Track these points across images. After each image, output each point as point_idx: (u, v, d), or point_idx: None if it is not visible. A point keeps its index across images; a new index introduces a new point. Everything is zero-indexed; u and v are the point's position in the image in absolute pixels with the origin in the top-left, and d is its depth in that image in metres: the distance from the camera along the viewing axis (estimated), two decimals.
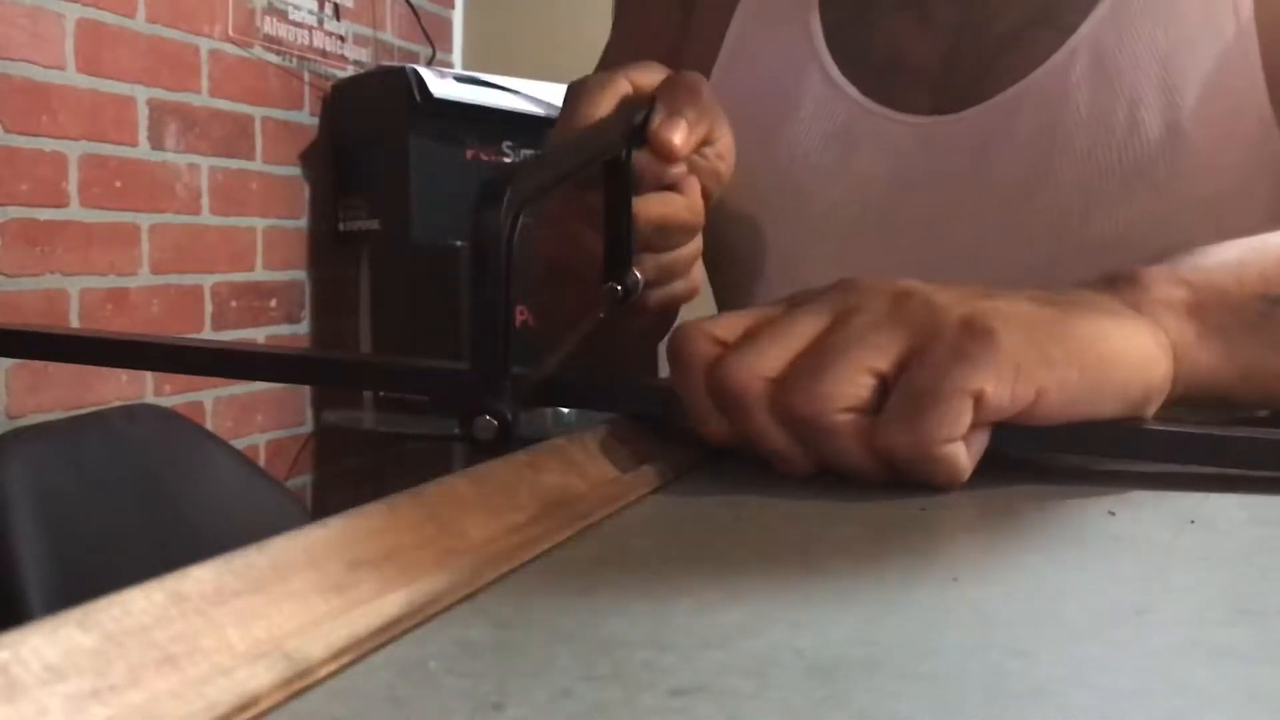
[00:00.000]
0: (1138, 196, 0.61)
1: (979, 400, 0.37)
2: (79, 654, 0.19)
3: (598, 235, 0.52)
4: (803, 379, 0.38)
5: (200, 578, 0.22)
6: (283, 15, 2.17)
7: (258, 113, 2.12)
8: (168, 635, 0.20)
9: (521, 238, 0.38)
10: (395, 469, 2.38)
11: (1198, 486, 0.39)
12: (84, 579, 1.15)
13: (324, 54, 2.28)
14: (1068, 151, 0.62)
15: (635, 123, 0.53)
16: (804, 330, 0.39)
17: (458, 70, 2.52)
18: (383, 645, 0.24)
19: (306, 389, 2.25)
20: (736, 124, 0.59)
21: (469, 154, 2.19)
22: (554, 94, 2.19)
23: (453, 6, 2.72)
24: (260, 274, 2.15)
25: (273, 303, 2.18)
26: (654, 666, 0.22)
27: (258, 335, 2.15)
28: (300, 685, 0.21)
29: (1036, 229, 0.63)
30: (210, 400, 2.01)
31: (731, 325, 0.40)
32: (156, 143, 1.90)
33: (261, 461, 2.09)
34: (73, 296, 1.76)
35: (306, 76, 2.25)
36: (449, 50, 2.71)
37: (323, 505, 2.27)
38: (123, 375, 1.83)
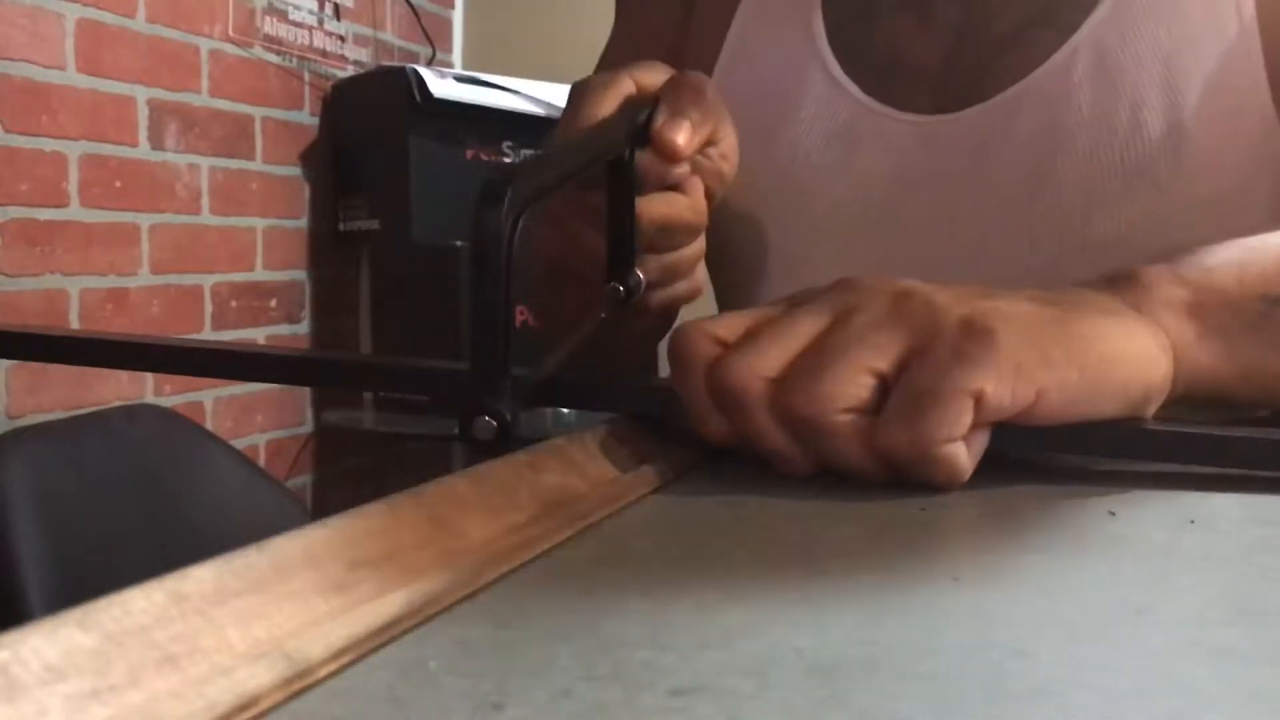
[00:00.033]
0: (1140, 196, 0.61)
1: (979, 400, 0.37)
2: (79, 654, 0.19)
3: (599, 234, 0.52)
4: (803, 379, 0.38)
5: (200, 578, 0.22)
6: (283, 15, 2.17)
7: (258, 113, 2.12)
8: (168, 635, 0.20)
9: (522, 237, 0.38)
10: (395, 469, 2.38)
11: (1198, 486, 0.39)
12: (84, 579, 1.15)
13: (324, 54, 2.28)
14: (1069, 151, 0.62)
15: (639, 122, 0.52)
16: (804, 330, 0.39)
17: (458, 70, 2.52)
18: (383, 645, 0.24)
19: (306, 389, 2.25)
20: (738, 123, 0.59)
21: (469, 154, 2.19)
22: (554, 94, 2.19)
23: (453, 6, 2.72)
24: (260, 274, 2.15)
25: (273, 303, 2.18)
26: (654, 666, 0.22)
27: (258, 335, 2.15)
28: (300, 685, 0.21)
29: (1038, 229, 0.63)
30: (210, 400, 2.01)
31: (732, 325, 0.40)
32: (156, 143, 1.90)
33: (261, 461, 2.09)
34: (73, 296, 1.76)
35: (306, 76, 2.25)
36: (449, 50, 2.71)
37: (323, 505, 2.27)
38: (123, 375, 1.83)
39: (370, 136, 2.22)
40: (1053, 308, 0.40)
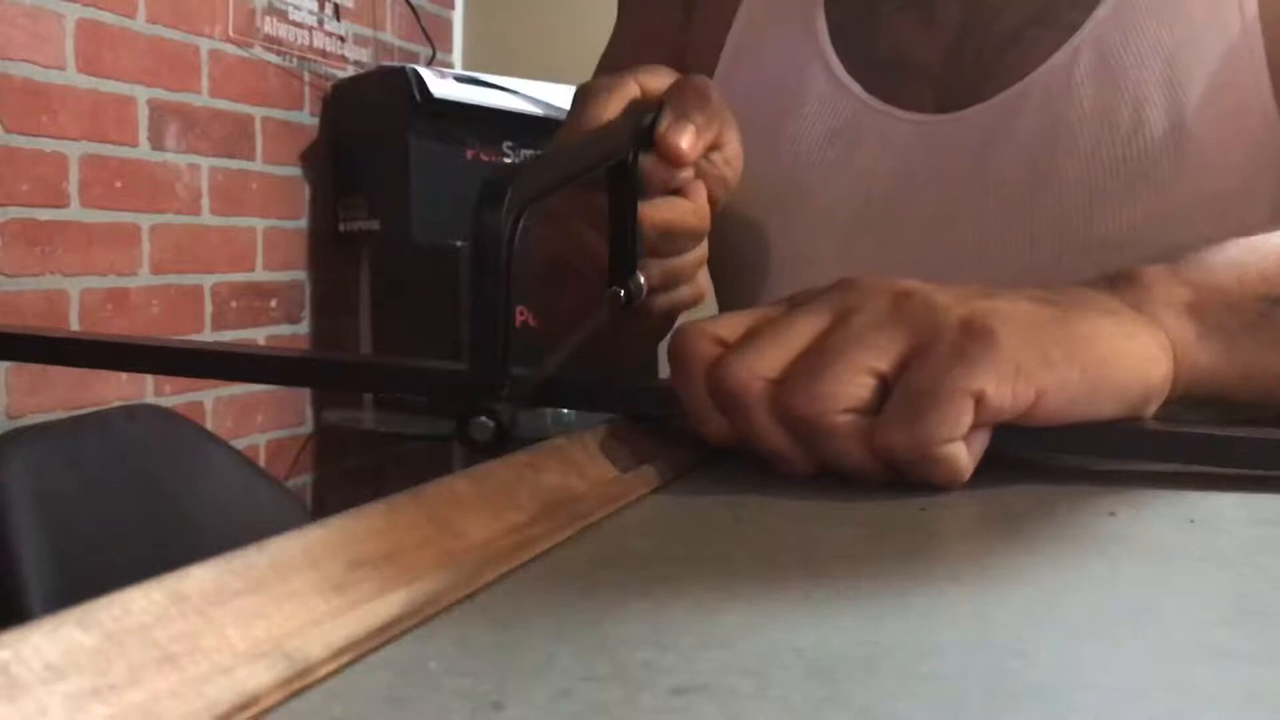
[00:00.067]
0: (1141, 195, 0.61)
1: (979, 401, 0.37)
2: (79, 653, 0.19)
3: (600, 235, 0.52)
4: (802, 379, 0.38)
5: (200, 577, 0.22)
6: (283, 15, 2.17)
7: (258, 113, 2.12)
8: (168, 635, 0.20)
9: (522, 237, 0.38)
10: (395, 469, 2.38)
11: (1198, 486, 0.39)
12: (84, 578, 1.15)
13: (324, 54, 2.28)
14: (1071, 150, 0.62)
15: (643, 126, 0.52)
16: (804, 330, 0.39)
17: (458, 70, 2.52)
18: (383, 645, 0.24)
19: (306, 389, 2.25)
20: (740, 121, 0.59)
21: (469, 154, 2.19)
22: (554, 94, 2.19)
23: (453, 7, 2.72)
24: (260, 274, 2.15)
25: (273, 303, 2.18)
26: (654, 666, 0.22)
27: (258, 335, 2.15)
28: (300, 685, 0.21)
29: (1039, 228, 0.63)
30: (210, 400, 2.01)
31: (732, 325, 0.40)
32: (157, 143, 1.90)
33: (262, 461, 2.09)
34: (73, 297, 1.76)
35: (306, 76, 2.25)
36: (449, 50, 2.71)
37: (323, 505, 2.27)
38: (123, 375, 1.83)
39: (370, 136, 2.22)
40: (1053, 308, 0.40)
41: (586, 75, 0.78)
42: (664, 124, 0.52)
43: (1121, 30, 0.62)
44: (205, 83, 2.00)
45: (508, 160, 2.21)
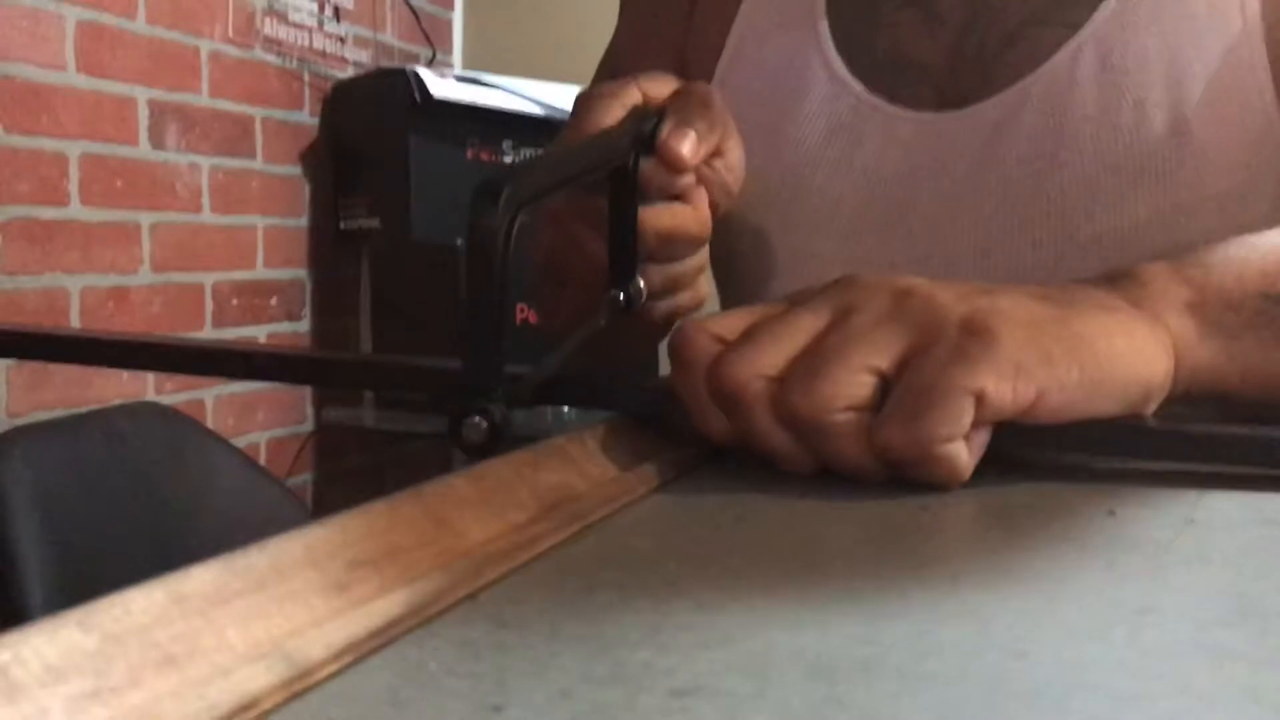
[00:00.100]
0: (1143, 194, 0.61)
1: (980, 399, 0.37)
2: (79, 654, 0.19)
3: (599, 239, 0.52)
4: (803, 378, 0.38)
5: (200, 578, 0.22)
6: (282, 17, 2.17)
7: (258, 114, 2.12)
8: (168, 635, 0.20)
9: (520, 236, 0.38)
10: (396, 468, 2.38)
11: (1198, 486, 0.39)
12: (84, 579, 1.15)
13: (324, 55, 2.28)
14: (1073, 148, 0.62)
15: (644, 131, 0.52)
16: (804, 328, 0.39)
17: (458, 71, 2.52)
18: (383, 645, 0.24)
19: (307, 387, 2.25)
20: (741, 119, 0.59)
21: (469, 154, 2.19)
22: (554, 94, 2.19)
23: (452, 8, 2.72)
24: (261, 273, 2.15)
25: (273, 301, 2.18)
26: (654, 666, 0.22)
27: (258, 334, 2.15)
28: (300, 686, 0.21)
29: (1041, 226, 0.63)
30: (211, 399, 2.01)
31: (732, 324, 0.40)
32: (157, 143, 1.90)
33: (262, 460, 2.09)
34: (73, 295, 1.76)
35: (306, 77, 2.25)
36: (449, 51, 2.71)
37: (323, 504, 2.27)
38: (123, 374, 1.83)
39: (370, 137, 2.22)
40: (1053, 306, 0.40)
41: (586, 75, 0.79)
42: (665, 130, 0.52)
43: (1123, 29, 0.62)
44: (205, 84, 2.00)
45: (508, 160, 2.21)
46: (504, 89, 2.20)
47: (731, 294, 0.75)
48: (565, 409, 1.76)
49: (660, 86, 0.57)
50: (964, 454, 0.37)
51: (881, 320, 0.38)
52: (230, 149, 2.06)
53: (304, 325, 2.27)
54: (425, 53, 2.59)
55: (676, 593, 0.28)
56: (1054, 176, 0.62)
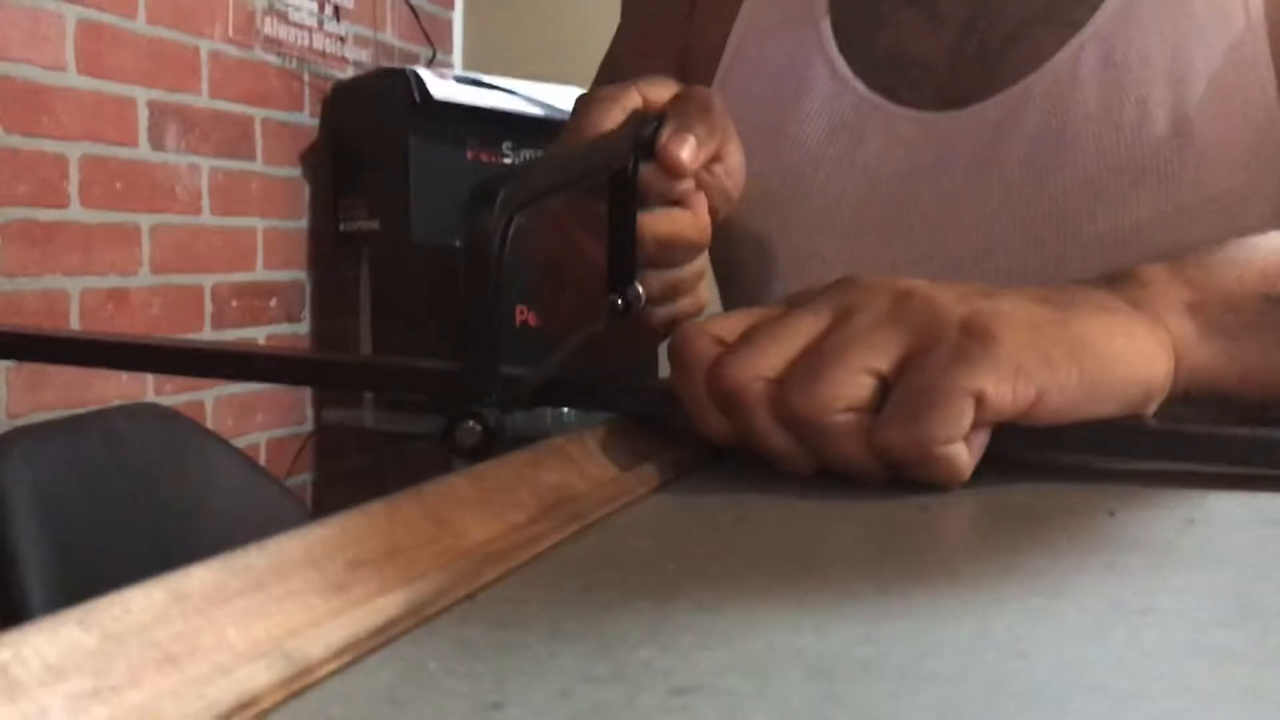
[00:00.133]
0: (1145, 193, 0.61)
1: (980, 401, 0.37)
2: (79, 654, 0.19)
3: (598, 242, 0.52)
4: (802, 379, 0.38)
5: (200, 577, 0.22)
6: (283, 16, 2.17)
7: (258, 114, 2.12)
8: (168, 635, 0.20)
9: (517, 239, 0.38)
10: (395, 468, 2.38)
11: (1198, 486, 0.39)
12: (84, 579, 1.15)
13: (324, 55, 2.28)
14: (1075, 147, 0.62)
15: (644, 135, 0.52)
16: (804, 330, 0.39)
17: (458, 71, 2.52)
18: (382, 645, 0.24)
19: (307, 388, 2.25)
20: (742, 118, 0.59)
21: (469, 155, 2.19)
22: (554, 95, 2.19)
23: (453, 8, 2.72)
24: (261, 274, 2.15)
25: (273, 303, 2.18)
26: (654, 666, 0.22)
27: (258, 335, 2.15)
28: (300, 685, 0.21)
29: (1043, 226, 0.63)
30: (211, 399, 2.01)
31: (732, 325, 0.40)
32: (157, 144, 1.90)
33: (262, 460, 2.09)
34: (73, 297, 1.76)
35: (306, 77, 2.25)
36: (449, 51, 2.71)
37: (323, 504, 2.27)
38: (123, 375, 1.83)
39: (370, 138, 2.22)
40: (1053, 307, 0.40)
41: (587, 76, 0.79)
42: (665, 134, 0.52)
43: (1125, 28, 0.62)
44: (205, 84, 2.00)
45: (508, 161, 2.21)
46: (504, 89, 2.20)
47: (732, 294, 0.75)
48: (565, 410, 1.76)
49: (660, 90, 0.56)
50: (964, 455, 0.37)
51: (881, 322, 0.38)
52: (230, 150, 2.06)
53: (304, 327, 2.27)
54: (425, 52, 2.59)
55: (676, 593, 0.28)
56: (1056, 176, 0.62)
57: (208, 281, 2.02)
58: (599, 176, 0.49)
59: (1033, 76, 0.64)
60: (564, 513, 0.33)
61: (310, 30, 2.24)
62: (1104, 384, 0.39)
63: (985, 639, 0.24)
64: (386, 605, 0.24)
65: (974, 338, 0.37)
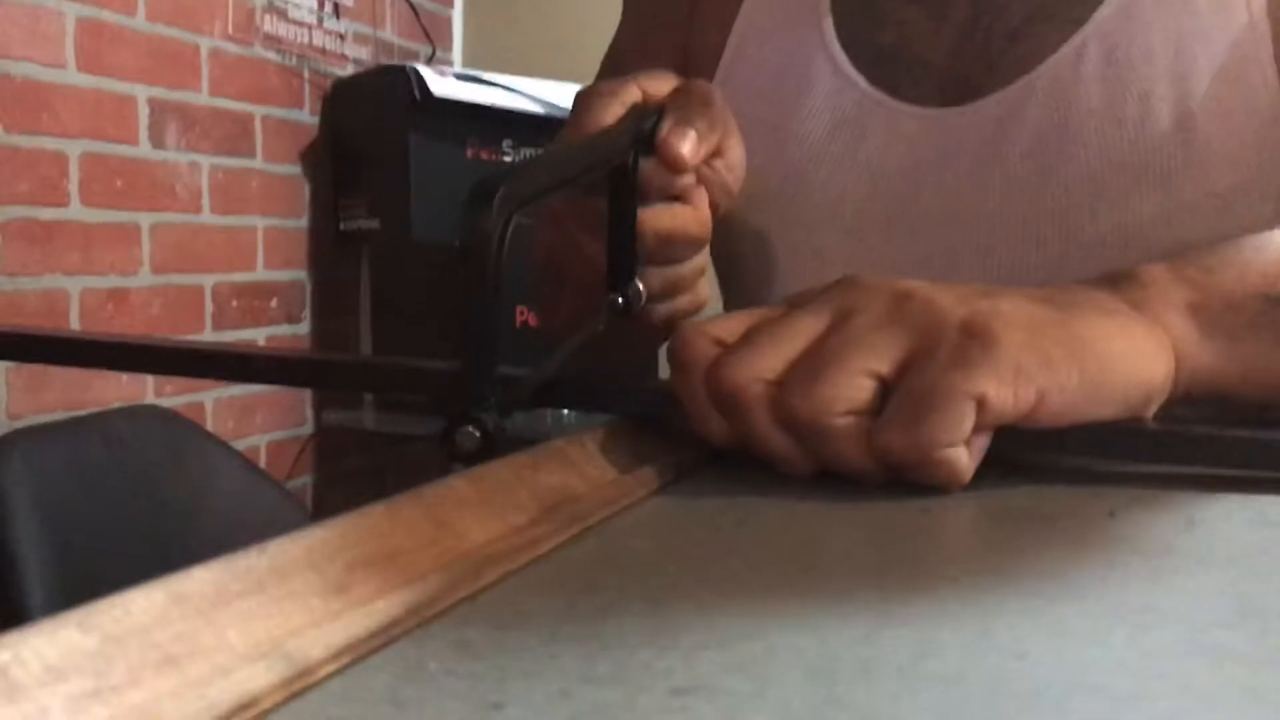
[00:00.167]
0: (1148, 189, 0.61)
1: (981, 404, 0.36)
2: (79, 655, 0.19)
3: (598, 241, 0.52)
4: (802, 381, 0.38)
5: (201, 579, 0.22)
6: (282, 14, 2.17)
7: (258, 111, 2.12)
8: (168, 636, 0.20)
9: (517, 238, 0.38)
10: (396, 470, 2.38)
11: (1198, 486, 0.39)
12: (84, 580, 1.15)
13: (324, 52, 2.28)
14: (1077, 144, 0.62)
15: (644, 130, 0.52)
16: (803, 331, 0.39)
17: (458, 69, 2.52)
18: (382, 646, 0.24)
19: (307, 390, 2.25)
20: (744, 114, 0.58)
21: (469, 153, 2.19)
22: (555, 93, 2.19)
23: (452, 5, 2.72)
24: (261, 274, 2.15)
25: (273, 302, 2.18)
26: (654, 666, 0.22)
27: (258, 335, 2.15)
28: (300, 686, 0.21)
29: (1045, 223, 0.63)
30: (211, 401, 2.01)
31: (732, 326, 0.40)
32: (157, 142, 1.90)
33: (262, 462, 2.09)
34: (73, 296, 1.76)
35: (306, 75, 2.25)
36: (449, 49, 2.71)
37: (323, 506, 2.27)
38: (123, 376, 1.83)
39: (370, 135, 2.22)
40: (1054, 308, 0.40)
41: (587, 74, 0.79)
42: (665, 129, 0.52)
43: (1128, 24, 0.62)
44: (205, 81, 2.00)
45: (508, 159, 2.21)
46: (504, 87, 2.20)
47: (733, 292, 0.75)
48: (565, 411, 1.76)
49: (660, 84, 0.56)
50: (964, 458, 0.37)
51: (881, 323, 0.38)
52: (230, 148, 2.06)
53: (304, 327, 2.27)
54: (425, 50, 2.59)
55: (676, 594, 0.28)
56: (1058, 173, 0.62)
57: (208, 282, 2.02)
58: (599, 173, 0.49)
59: (1035, 72, 0.64)
60: (564, 514, 0.33)
61: (310, 27, 2.24)
62: (1105, 385, 0.39)
63: (985, 640, 0.24)
64: (386, 606, 0.24)
65: (974, 339, 0.37)
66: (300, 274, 2.25)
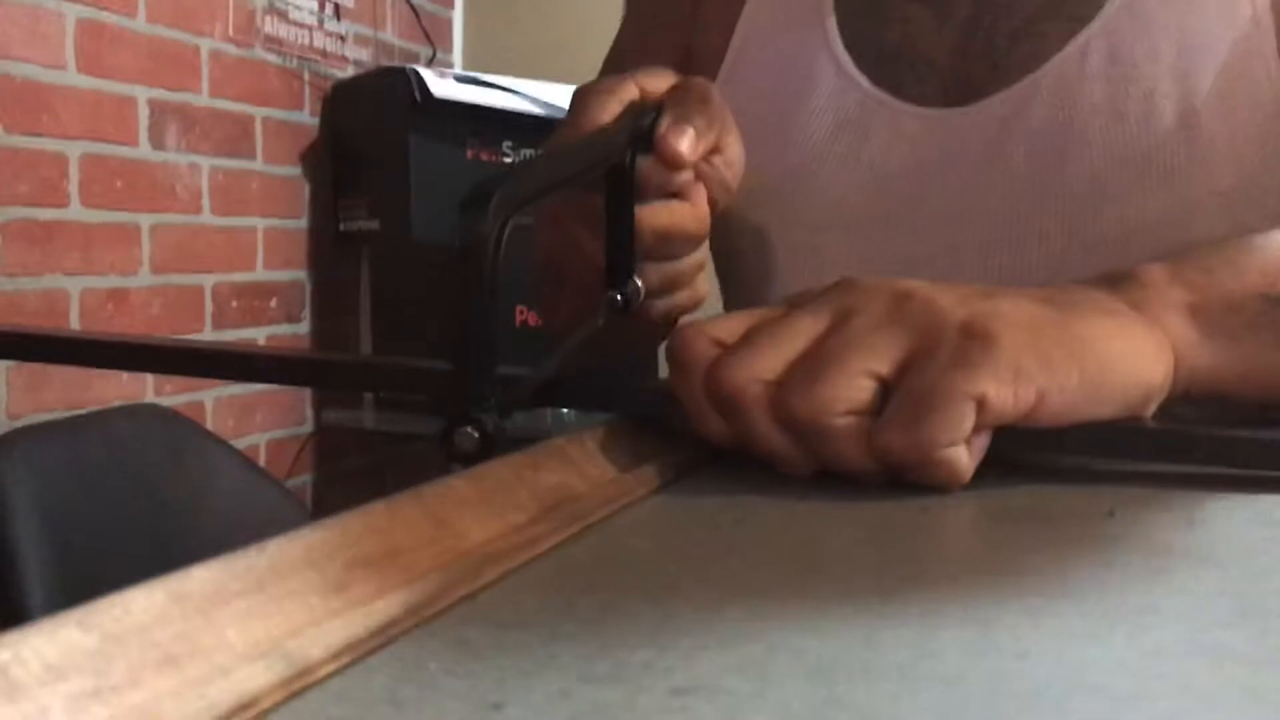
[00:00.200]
0: (1151, 187, 0.61)
1: (981, 404, 0.36)
2: (79, 654, 0.19)
3: (598, 239, 0.52)
4: (802, 381, 0.38)
5: (200, 578, 0.22)
6: (283, 15, 2.17)
7: (258, 113, 2.12)
8: (168, 635, 0.20)
9: (516, 239, 0.38)
10: (395, 469, 2.38)
11: (1198, 486, 0.39)
12: (84, 579, 1.15)
13: (324, 54, 2.28)
14: (1081, 142, 0.62)
15: (642, 127, 0.51)
16: (803, 332, 0.39)
17: (458, 70, 2.52)
18: (382, 645, 0.24)
19: (307, 389, 2.25)
20: (747, 114, 0.58)
21: (469, 154, 2.19)
22: (554, 94, 2.19)
23: (453, 6, 2.72)
24: (261, 274, 2.15)
25: (273, 303, 2.18)
26: (654, 666, 0.22)
27: (258, 335, 2.15)
28: (300, 685, 0.21)
29: (1048, 222, 0.63)
30: (211, 400, 2.01)
31: (731, 327, 0.40)
32: (157, 143, 1.90)
33: (262, 461, 2.09)
34: (73, 296, 1.76)
35: (307, 76, 2.25)
36: (449, 50, 2.71)
37: (323, 505, 2.27)
38: (123, 375, 1.83)
39: (370, 136, 2.22)
40: (1053, 309, 0.40)
41: (587, 75, 0.78)
42: (663, 126, 0.52)
43: (1132, 22, 0.62)
44: (205, 83, 2.00)
45: (508, 160, 2.21)
46: (505, 88, 2.20)
47: (734, 291, 0.75)
48: (565, 411, 1.76)
49: (658, 81, 0.56)
50: (964, 458, 0.37)
51: (881, 324, 0.38)
52: (230, 149, 2.06)
53: (304, 327, 2.27)
54: (425, 51, 2.59)
55: (676, 594, 0.28)
56: (1061, 172, 0.62)
57: (208, 282, 2.02)
58: (598, 171, 0.49)
59: (1039, 72, 0.64)
60: (564, 514, 0.33)
61: (310, 29, 2.24)
62: (1104, 385, 0.39)
63: (986, 640, 0.24)
64: (386, 606, 0.24)
65: (974, 340, 0.37)
66: (300, 274, 2.25)
